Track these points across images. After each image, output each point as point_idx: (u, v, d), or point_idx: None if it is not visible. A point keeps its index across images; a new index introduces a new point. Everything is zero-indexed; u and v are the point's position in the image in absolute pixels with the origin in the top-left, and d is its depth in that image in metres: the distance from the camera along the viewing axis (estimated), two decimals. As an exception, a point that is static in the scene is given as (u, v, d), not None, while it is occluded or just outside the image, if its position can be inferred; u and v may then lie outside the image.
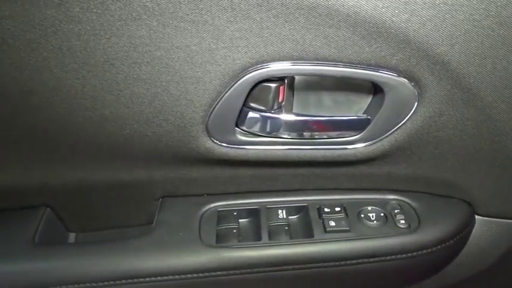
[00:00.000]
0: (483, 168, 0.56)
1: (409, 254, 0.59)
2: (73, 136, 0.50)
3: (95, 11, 0.40)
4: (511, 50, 0.45)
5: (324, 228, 0.59)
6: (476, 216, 0.63)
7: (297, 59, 0.46)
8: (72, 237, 0.68)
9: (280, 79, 0.49)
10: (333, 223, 0.59)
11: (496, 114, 0.49)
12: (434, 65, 0.45)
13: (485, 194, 0.60)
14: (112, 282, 0.54)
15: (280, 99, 0.51)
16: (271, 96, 0.50)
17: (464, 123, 0.51)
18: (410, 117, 0.51)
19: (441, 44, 0.44)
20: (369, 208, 0.62)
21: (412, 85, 0.48)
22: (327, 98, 0.54)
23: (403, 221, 0.60)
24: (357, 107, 0.54)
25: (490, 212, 0.63)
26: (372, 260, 0.58)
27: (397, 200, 0.63)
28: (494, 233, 0.64)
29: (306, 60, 0.46)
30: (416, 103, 0.49)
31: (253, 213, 0.61)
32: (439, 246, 0.60)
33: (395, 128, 0.52)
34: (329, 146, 0.55)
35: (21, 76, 0.43)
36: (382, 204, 0.62)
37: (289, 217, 0.61)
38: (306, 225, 0.60)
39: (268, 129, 0.53)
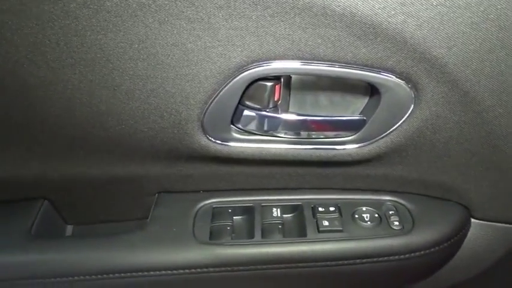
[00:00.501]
0: (480, 171, 0.56)
1: (403, 256, 0.59)
2: (70, 130, 0.50)
3: (91, 6, 0.40)
4: (509, 53, 0.44)
5: (318, 227, 0.59)
6: (472, 220, 0.63)
7: (293, 58, 0.46)
8: (69, 229, 0.69)
9: (276, 78, 0.49)
10: (326, 223, 0.59)
11: (494, 118, 0.49)
12: (432, 67, 0.45)
13: (482, 198, 0.60)
14: (106, 276, 0.55)
15: (276, 98, 0.51)
16: (266, 94, 0.50)
17: (461, 127, 0.51)
18: (406, 119, 0.51)
19: (438, 46, 0.43)
20: (364, 209, 0.62)
21: (409, 87, 0.48)
22: (323, 97, 0.54)
23: (397, 223, 0.60)
24: (353, 108, 0.54)
25: (487, 216, 0.62)
26: (364, 261, 0.58)
27: (392, 201, 0.63)
28: (490, 237, 0.64)
29: (302, 59, 0.46)
30: (412, 105, 0.49)
31: (248, 211, 0.61)
32: (432, 249, 0.59)
33: (391, 130, 0.52)
34: (324, 145, 0.55)
35: (19, 70, 0.44)
36: (377, 205, 0.62)
37: (284, 215, 0.61)
38: (300, 224, 0.60)
39: (263, 128, 0.53)
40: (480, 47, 0.44)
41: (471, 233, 0.64)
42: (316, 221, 0.59)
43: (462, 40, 0.43)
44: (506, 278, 0.72)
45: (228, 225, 0.59)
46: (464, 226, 0.62)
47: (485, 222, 0.63)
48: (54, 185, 0.60)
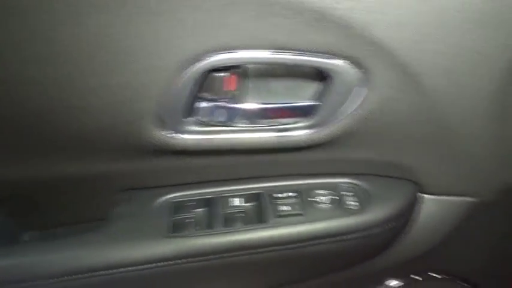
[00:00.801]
0: (430, 149, 0.59)
1: (359, 234, 0.61)
2: (26, 130, 0.49)
3: (45, 2, 0.39)
4: (449, 34, 0.47)
5: (278, 213, 0.60)
6: (425, 195, 0.66)
7: (246, 48, 0.46)
8: (29, 235, 0.66)
9: (231, 68, 0.50)
10: (286, 208, 0.60)
11: (439, 97, 0.52)
12: (380, 51, 0.47)
13: (432, 174, 0.63)
14: (69, 278, 0.54)
15: (231, 88, 0.52)
16: (222, 85, 0.51)
17: (410, 108, 0.53)
18: (358, 102, 0.52)
19: (385, 30, 0.45)
20: (322, 192, 0.63)
21: (359, 71, 0.49)
22: (278, 84, 0.55)
23: (353, 203, 0.62)
24: (308, 93, 0.55)
25: (438, 191, 0.65)
26: (324, 241, 0.60)
27: (348, 183, 0.65)
28: (443, 210, 0.67)
29: (254, 48, 0.47)
30: (363, 89, 0.51)
31: (210, 202, 0.62)
32: (388, 225, 0.62)
33: (344, 114, 0.54)
34: (281, 132, 0.56)
35: None
36: (334, 187, 0.64)
37: (244, 204, 0.62)
38: (261, 211, 0.61)
39: (221, 118, 0.54)
40: (423, 28, 0.46)
41: (425, 207, 0.67)
42: (276, 207, 0.61)
43: (406, 22, 0.45)
44: (459, 250, 0.76)
45: (191, 218, 0.60)
46: (417, 202, 0.66)
47: (438, 197, 0.66)
48: (12, 189, 0.57)
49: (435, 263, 0.77)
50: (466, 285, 0.81)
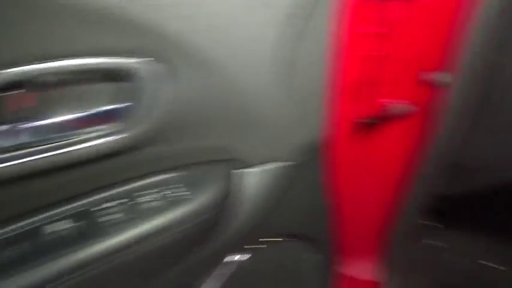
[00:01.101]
0: (235, 125, 0.64)
1: (193, 222, 0.63)
2: None
3: None
4: (227, 20, 0.53)
5: (108, 225, 0.58)
6: (245, 170, 0.70)
7: (30, 61, 0.44)
8: None
9: (26, 83, 0.46)
10: (117, 216, 0.59)
11: (231, 76, 0.58)
12: (177, 44, 0.50)
13: (244, 148, 0.68)
14: None
15: (25, 105, 0.48)
16: (13, 104, 0.47)
17: (213, 91, 0.57)
18: (168, 97, 0.54)
19: (178, 24, 0.49)
20: (150, 191, 0.63)
21: (163, 66, 0.51)
22: (83, 93, 0.53)
23: (181, 194, 0.64)
24: (117, 96, 0.54)
25: (253, 162, 0.70)
26: (161, 237, 0.60)
27: (175, 176, 0.66)
28: (263, 180, 0.73)
29: (42, 59, 0.44)
30: (169, 83, 0.53)
31: (28, 235, 0.55)
32: (219, 207, 0.66)
33: (156, 110, 0.55)
34: (96, 141, 0.54)
35: None
36: (162, 184, 0.65)
37: (72, 224, 0.58)
38: (90, 228, 0.58)
39: (21, 141, 0.49)
40: (209, 17, 0.51)
41: (247, 181, 0.71)
42: (106, 220, 0.58)
43: (195, 15, 0.50)
44: (291, 211, 0.83)
45: (8, 256, 0.52)
46: (239, 178, 0.71)
47: (255, 169, 0.71)
48: None
49: (272, 228, 0.83)
50: (306, 242, 0.90)
